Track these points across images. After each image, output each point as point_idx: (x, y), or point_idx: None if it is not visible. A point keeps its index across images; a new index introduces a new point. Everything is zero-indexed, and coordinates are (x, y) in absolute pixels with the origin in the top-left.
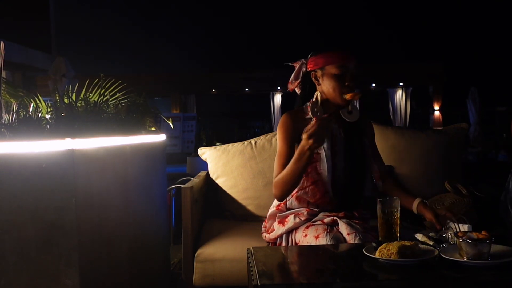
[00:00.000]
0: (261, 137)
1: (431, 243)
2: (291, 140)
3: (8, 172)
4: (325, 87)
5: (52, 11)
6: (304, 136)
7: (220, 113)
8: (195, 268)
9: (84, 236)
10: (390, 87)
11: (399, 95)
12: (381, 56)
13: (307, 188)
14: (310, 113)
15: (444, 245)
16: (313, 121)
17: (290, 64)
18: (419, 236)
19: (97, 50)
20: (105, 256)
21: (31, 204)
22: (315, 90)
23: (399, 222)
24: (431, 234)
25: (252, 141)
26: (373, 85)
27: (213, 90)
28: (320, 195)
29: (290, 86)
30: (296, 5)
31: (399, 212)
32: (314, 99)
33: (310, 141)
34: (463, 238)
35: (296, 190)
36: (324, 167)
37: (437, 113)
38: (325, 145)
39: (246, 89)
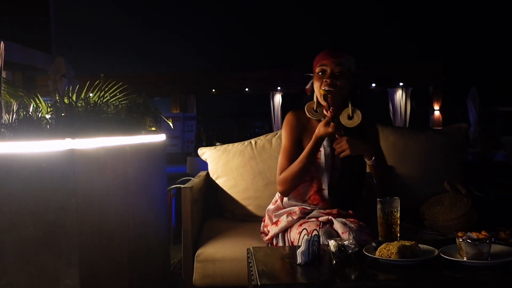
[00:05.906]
0: (261, 137)
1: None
2: (296, 137)
3: (8, 172)
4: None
5: (52, 11)
6: (321, 124)
7: (220, 113)
8: (195, 268)
9: (84, 236)
10: (390, 87)
11: (399, 95)
12: (381, 56)
13: (304, 183)
14: (307, 113)
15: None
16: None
17: (311, 75)
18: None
19: (97, 50)
20: (105, 256)
21: (31, 204)
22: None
23: (399, 222)
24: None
25: (252, 141)
26: (373, 85)
27: (213, 90)
28: (314, 191)
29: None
30: (297, 5)
31: (399, 212)
32: (314, 99)
33: (328, 128)
34: (463, 238)
35: None
36: (322, 164)
37: (437, 113)
38: (325, 143)
39: (246, 89)
